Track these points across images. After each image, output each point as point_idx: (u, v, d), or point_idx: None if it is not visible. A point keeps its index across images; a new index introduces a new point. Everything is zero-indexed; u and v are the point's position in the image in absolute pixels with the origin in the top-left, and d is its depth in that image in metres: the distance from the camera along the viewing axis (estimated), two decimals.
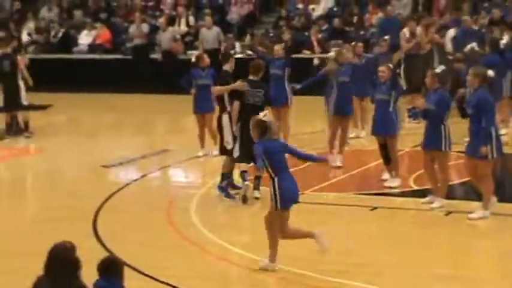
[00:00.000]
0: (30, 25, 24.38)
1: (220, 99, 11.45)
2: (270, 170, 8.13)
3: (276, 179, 8.06)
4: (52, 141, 16.07)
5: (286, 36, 18.16)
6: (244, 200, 10.91)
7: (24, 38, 23.50)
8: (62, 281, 5.40)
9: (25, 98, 16.23)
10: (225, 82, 11.33)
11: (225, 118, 11.24)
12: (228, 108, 11.23)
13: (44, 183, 13.10)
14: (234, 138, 11.11)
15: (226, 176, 11.25)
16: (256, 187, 10.98)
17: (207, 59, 13.77)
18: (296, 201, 8.22)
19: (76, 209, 11.01)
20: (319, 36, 21.52)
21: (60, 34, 23.94)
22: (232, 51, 21.80)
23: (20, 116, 16.56)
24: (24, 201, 12.29)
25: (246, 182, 10.90)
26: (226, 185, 11.21)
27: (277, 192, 8.02)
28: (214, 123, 12.30)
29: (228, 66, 11.62)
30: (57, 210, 11.02)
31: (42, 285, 5.43)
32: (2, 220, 10.73)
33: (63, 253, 5.49)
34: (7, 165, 14.56)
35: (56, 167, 14.16)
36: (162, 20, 22.44)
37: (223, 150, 11.35)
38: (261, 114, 8.47)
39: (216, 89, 11.43)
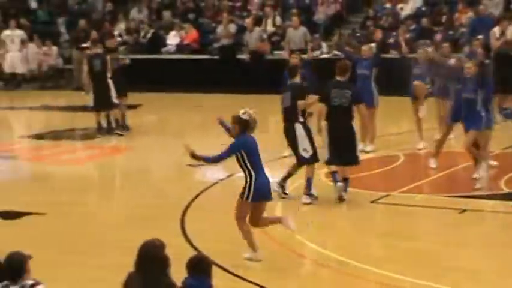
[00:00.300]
0: (121, 26, 24.84)
1: (291, 110, 11.41)
2: (248, 166, 8.49)
3: (253, 176, 8.46)
4: (141, 140, 16.33)
5: (378, 35, 17.95)
6: (340, 199, 10.89)
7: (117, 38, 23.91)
8: (152, 278, 5.48)
9: (115, 96, 16.49)
10: (302, 95, 11.26)
11: (299, 127, 11.23)
12: (301, 119, 11.23)
13: (133, 182, 13.31)
14: (311, 143, 11.10)
15: (310, 182, 11.18)
16: (345, 189, 10.96)
17: (294, 60, 13.78)
18: (269, 199, 8.65)
19: (164, 207, 11.17)
20: (407, 36, 21.28)
21: (149, 35, 24.32)
22: (318, 52, 21.81)
23: (112, 114, 16.84)
24: (113, 199, 12.52)
25: (339, 183, 10.88)
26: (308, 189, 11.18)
27: (252, 187, 8.45)
28: None
29: (296, 79, 11.57)
30: (146, 208, 11.20)
31: (133, 282, 5.53)
32: (93, 218, 10.96)
33: (153, 250, 5.58)
34: (97, 163, 14.86)
35: (144, 165, 14.40)
36: (249, 21, 22.56)
37: (302, 159, 11.26)
38: (241, 112, 8.69)
39: (301, 104, 11.31)
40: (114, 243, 9.43)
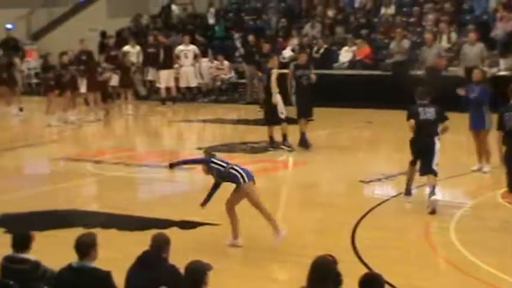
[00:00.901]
0: (294, 41, 25.12)
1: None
2: None
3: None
4: (312, 154, 16.42)
5: None
6: None
7: (288, 53, 24.22)
8: None
9: (283, 111, 16.57)
10: None
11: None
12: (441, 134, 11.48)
13: (304, 196, 13.43)
14: None
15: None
16: None
17: (478, 74, 13.71)
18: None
19: (334, 222, 11.19)
20: None
21: (322, 50, 24.46)
22: (495, 69, 21.20)
23: (281, 129, 16.95)
24: (284, 213, 12.64)
25: None
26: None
27: (240, 172, 9.86)
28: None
29: None
30: (315, 223, 11.26)
31: None
32: (264, 230, 11.12)
33: (326, 266, 5.61)
34: (269, 177, 15.06)
35: (315, 180, 14.48)
36: (428, 36, 22.09)
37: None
38: None
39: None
40: (285, 257, 9.53)
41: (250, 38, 24.90)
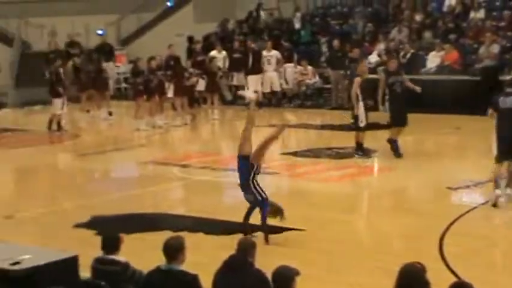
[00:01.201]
0: (381, 46, 24.93)
1: None
2: None
3: None
4: (398, 160, 16.23)
5: None
6: None
7: (375, 58, 24.05)
8: None
9: (363, 119, 16.35)
10: None
11: None
12: None
13: (390, 203, 13.31)
14: None
15: None
16: None
17: None
18: None
19: (421, 229, 11.05)
20: None
21: (408, 55, 24.19)
22: None
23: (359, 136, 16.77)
24: (370, 219, 12.55)
25: None
26: None
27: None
28: None
29: None
30: (402, 229, 11.14)
31: None
32: (351, 236, 11.06)
33: (416, 274, 5.53)
34: (355, 182, 14.97)
35: (401, 186, 14.35)
36: None
37: None
38: None
39: None
40: (372, 264, 9.46)
41: (336, 42, 24.82)
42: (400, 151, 16.43)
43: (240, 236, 9.63)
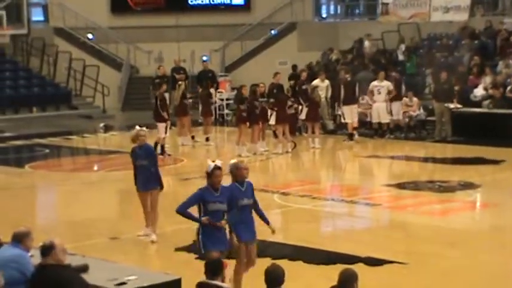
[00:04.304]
0: (487, 79, 24.49)
1: None
2: None
3: None
4: (505, 196, 15.87)
5: None
6: None
7: (480, 92, 23.64)
8: None
9: None
10: None
11: None
12: None
13: (495, 238, 13.01)
14: None
15: None
16: None
17: None
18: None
19: None
20: None
21: None
22: None
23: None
24: (475, 255, 12.24)
25: None
26: None
27: None
28: None
29: None
30: (509, 267, 10.86)
31: None
32: (455, 273, 10.84)
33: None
34: (458, 217, 14.69)
35: (507, 222, 14.01)
36: None
37: None
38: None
39: None
40: None
41: (443, 74, 24.45)
42: None
43: (339, 266, 9.57)
